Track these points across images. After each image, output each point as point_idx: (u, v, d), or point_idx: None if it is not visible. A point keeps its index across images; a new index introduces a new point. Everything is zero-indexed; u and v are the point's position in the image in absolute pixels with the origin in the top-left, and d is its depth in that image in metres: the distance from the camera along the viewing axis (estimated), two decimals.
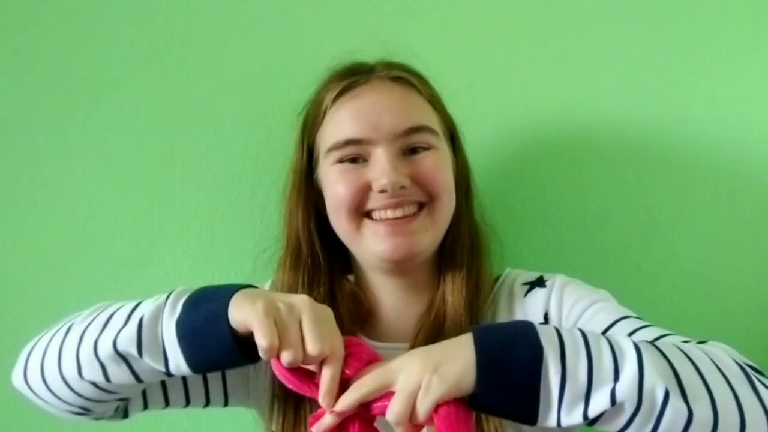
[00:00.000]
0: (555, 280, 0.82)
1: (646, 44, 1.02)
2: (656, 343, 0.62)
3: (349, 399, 0.61)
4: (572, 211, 1.01)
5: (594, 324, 0.74)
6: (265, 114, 1.03)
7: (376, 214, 0.79)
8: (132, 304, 0.71)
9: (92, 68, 1.02)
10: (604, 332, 0.72)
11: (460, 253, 0.82)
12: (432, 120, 0.82)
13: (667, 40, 1.02)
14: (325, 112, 0.82)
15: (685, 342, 0.66)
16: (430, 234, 0.79)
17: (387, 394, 0.61)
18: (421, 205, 0.80)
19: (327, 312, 0.66)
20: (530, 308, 0.81)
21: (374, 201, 0.79)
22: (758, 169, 1.01)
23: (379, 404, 0.61)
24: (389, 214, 0.78)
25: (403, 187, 0.77)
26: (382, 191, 0.77)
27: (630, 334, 0.70)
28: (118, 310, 0.71)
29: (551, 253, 1.01)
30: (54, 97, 1.01)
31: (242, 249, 1.01)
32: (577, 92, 1.02)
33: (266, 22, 1.04)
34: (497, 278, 0.86)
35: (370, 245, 0.79)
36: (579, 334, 0.61)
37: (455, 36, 1.03)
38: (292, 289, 0.82)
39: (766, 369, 0.63)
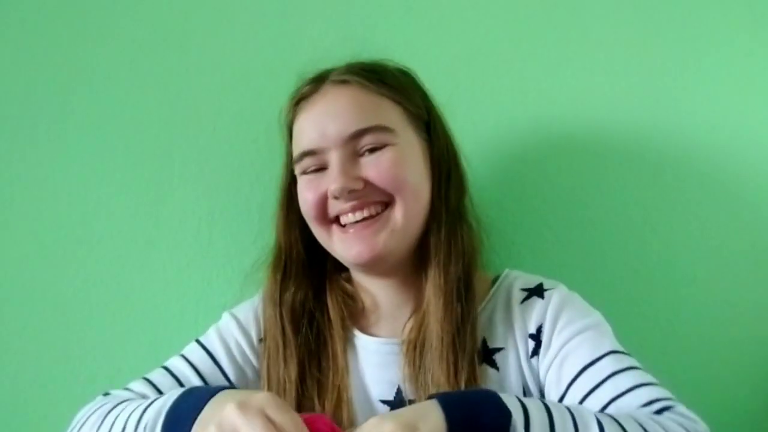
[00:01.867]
0: (553, 293, 0.81)
1: (645, 47, 1.02)
2: (623, 418, 0.64)
3: None
4: (570, 211, 1.02)
5: (578, 355, 0.75)
6: (264, 110, 1.02)
7: (342, 219, 0.80)
8: (120, 425, 0.70)
9: (91, 63, 1.01)
10: (586, 367, 0.73)
11: (436, 244, 0.80)
12: (386, 116, 0.80)
13: (666, 43, 1.02)
14: (291, 124, 0.85)
15: (658, 401, 0.69)
16: (397, 234, 0.78)
17: None
18: (385, 205, 0.79)
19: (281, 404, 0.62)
20: (527, 316, 0.80)
21: (334, 207, 0.79)
22: (755, 171, 1.01)
23: None
24: (351, 217, 0.79)
25: (353, 191, 0.77)
26: (336, 197, 0.78)
27: (610, 376, 0.72)
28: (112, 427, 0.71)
29: (549, 254, 1.01)
30: (52, 93, 1.01)
31: (240, 245, 1.01)
32: (575, 94, 1.02)
33: (266, 18, 1.03)
34: (496, 278, 0.86)
35: (339, 251, 0.81)
36: (546, 419, 0.63)
37: (454, 36, 1.03)
38: (272, 293, 0.84)
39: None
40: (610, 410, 0.70)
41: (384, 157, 0.78)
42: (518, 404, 0.64)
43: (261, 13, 1.03)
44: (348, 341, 0.84)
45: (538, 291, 0.82)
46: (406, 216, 0.79)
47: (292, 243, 0.86)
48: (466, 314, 0.78)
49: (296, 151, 0.82)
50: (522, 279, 0.85)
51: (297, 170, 0.83)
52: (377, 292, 0.85)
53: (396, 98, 0.81)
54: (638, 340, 0.97)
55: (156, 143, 1.01)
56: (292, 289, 0.84)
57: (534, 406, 0.64)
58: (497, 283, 0.85)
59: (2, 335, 0.99)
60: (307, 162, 0.80)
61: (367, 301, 0.86)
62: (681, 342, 1.00)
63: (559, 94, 1.02)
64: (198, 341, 0.85)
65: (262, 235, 1.01)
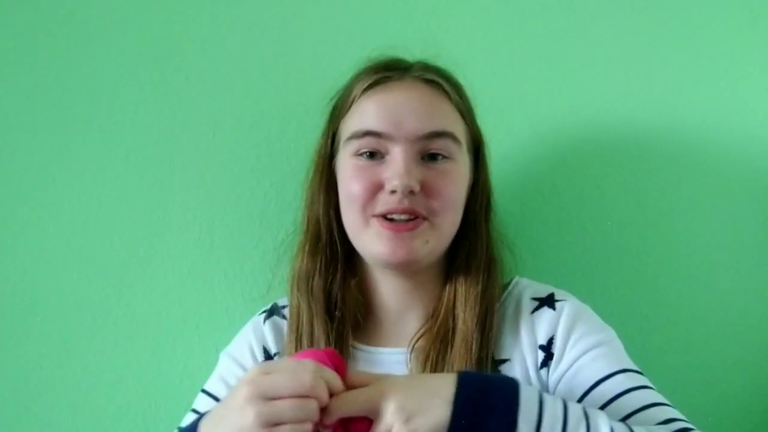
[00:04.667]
0: (565, 305, 0.80)
1: (645, 47, 1.03)
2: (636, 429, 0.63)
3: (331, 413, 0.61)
4: (571, 213, 1.02)
5: (592, 370, 0.74)
6: (264, 116, 1.02)
7: (390, 216, 0.78)
8: None
9: (91, 70, 1.01)
10: (600, 381, 0.73)
11: (476, 269, 0.81)
12: (457, 129, 0.80)
13: (666, 43, 1.03)
14: (352, 102, 0.82)
15: (676, 421, 0.67)
16: (430, 245, 0.78)
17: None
18: (425, 217, 0.78)
19: None
20: (537, 327, 0.80)
21: (386, 202, 0.77)
22: (757, 170, 1.01)
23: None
24: (395, 217, 0.77)
25: (412, 192, 0.76)
26: (393, 192, 0.76)
27: (624, 392, 0.71)
28: None
29: (550, 256, 1.01)
30: (53, 99, 1.01)
31: (241, 251, 1.01)
32: (575, 95, 1.03)
33: (266, 24, 1.03)
34: (506, 285, 0.86)
35: (371, 245, 0.79)
36: (561, 413, 0.62)
37: (453, 37, 1.03)
38: (310, 275, 0.83)
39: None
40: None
41: (448, 173, 0.78)
42: (535, 419, 0.62)
43: (261, 19, 1.03)
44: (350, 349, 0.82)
45: (549, 301, 0.81)
46: (444, 231, 0.79)
47: (330, 220, 0.83)
48: (489, 332, 0.78)
49: (357, 127, 0.79)
50: (532, 288, 0.84)
51: (350, 149, 0.80)
52: (387, 293, 0.84)
53: (466, 116, 0.83)
54: (640, 340, 0.98)
55: (156, 150, 1.01)
56: (329, 272, 0.83)
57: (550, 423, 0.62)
58: (506, 291, 0.85)
59: (4, 340, 0.99)
60: (365, 142, 0.78)
61: (374, 304, 0.84)
62: (682, 342, 1.00)
63: (558, 95, 1.03)
64: (203, 390, 0.85)
65: (263, 241, 1.01)
